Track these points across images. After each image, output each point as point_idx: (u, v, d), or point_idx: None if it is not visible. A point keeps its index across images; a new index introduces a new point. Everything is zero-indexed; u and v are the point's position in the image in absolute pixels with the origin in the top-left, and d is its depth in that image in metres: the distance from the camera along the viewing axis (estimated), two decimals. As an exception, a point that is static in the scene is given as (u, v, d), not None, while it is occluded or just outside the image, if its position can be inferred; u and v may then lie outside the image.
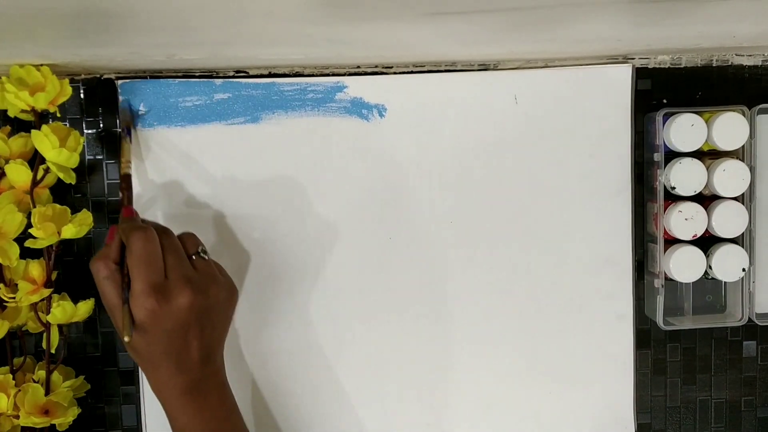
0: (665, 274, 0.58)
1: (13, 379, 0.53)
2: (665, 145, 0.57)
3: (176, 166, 0.57)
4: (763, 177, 0.60)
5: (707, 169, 0.57)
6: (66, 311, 0.52)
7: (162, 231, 0.48)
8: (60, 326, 0.55)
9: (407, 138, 0.58)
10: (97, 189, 0.58)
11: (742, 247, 0.58)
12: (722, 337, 0.62)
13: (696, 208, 0.57)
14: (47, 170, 0.51)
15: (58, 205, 0.52)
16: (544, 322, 0.60)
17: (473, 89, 0.58)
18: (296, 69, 0.57)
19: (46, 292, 0.52)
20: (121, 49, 0.48)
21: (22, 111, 0.52)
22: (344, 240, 0.59)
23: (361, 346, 0.60)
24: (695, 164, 0.56)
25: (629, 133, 0.59)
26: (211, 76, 0.57)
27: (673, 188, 0.57)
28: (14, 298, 0.51)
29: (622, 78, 0.59)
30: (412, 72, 0.58)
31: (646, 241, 0.61)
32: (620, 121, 0.59)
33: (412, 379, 0.60)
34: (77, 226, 0.51)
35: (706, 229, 0.58)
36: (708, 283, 0.62)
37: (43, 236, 0.50)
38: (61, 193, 0.56)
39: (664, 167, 0.57)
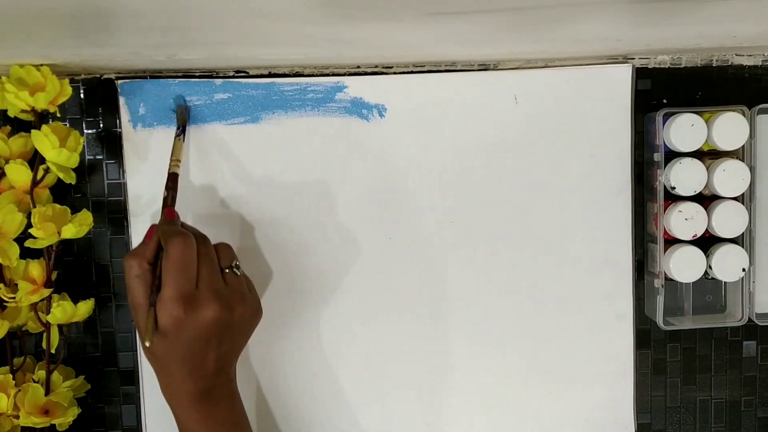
0: (665, 274, 0.58)
1: (13, 379, 0.53)
2: (665, 145, 0.57)
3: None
4: (763, 177, 0.60)
5: (707, 169, 0.57)
6: (66, 311, 0.52)
7: (200, 239, 0.48)
8: (60, 326, 0.55)
9: (407, 138, 0.58)
10: (97, 189, 0.58)
11: (742, 247, 0.58)
12: (722, 337, 0.62)
13: (696, 208, 0.57)
14: (47, 170, 0.51)
15: (58, 205, 0.52)
16: (544, 322, 0.60)
17: (473, 89, 0.58)
18: (296, 69, 0.57)
19: (46, 292, 0.52)
20: (121, 49, 0.48)
21: (22, 111, 0.52)
22: (344, 240, 0.59)
23: (361, 346, 0.60)
24: (695, 164, 0.56)
25: (629, 133, 0.59)
26: (211, 76, 0.57)
27: (673, 188, 0.57)
28: (14, 298, 0.51)
29: (622, 78, 0.59)
30: (412, 72, 0.58)
31: (646, 241, 0.61)
32: (620, 121, 0.59)
33: (412, 379, 0.60)
34: (77, 226, 0.51)
35: (706, 229, 0.58)
36: (708, 283, 0.62)
37: (43, 236, 0.50)
38: (61, 193, 0.56)
39: (664, 167, 0.57)
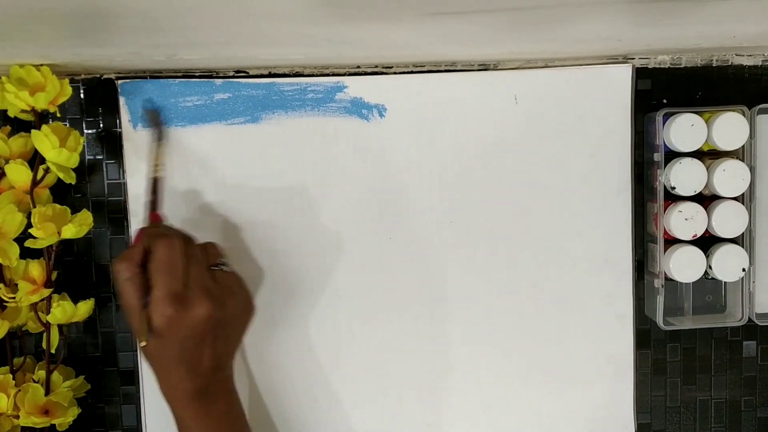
0: (665, 274, 0.58)
1: (13, 379, 0.53)
2: (665, 145, 0.57)
3: (175, 166, 0.57)
4: (763, 177, 0.60)
5: (707, 169, 0.57)
6: (66, 311, 0.52)
7: (186, 240, 0.49)
8: (60, 326, 0.55)
9: (407, 138, 0.58)
10: (97, 189, 0.58)
11: (742, 247, 0.58)
12: (722, 337, 0.62)
13: (696, 208, 0.57)
14: (47, 170, 0.51)
15: (58, 205, 0.52)
16: (544, 322, 0.60)
17: (473, 89, 0.58)
18: (296, 69, 0.57)
19: (46, 292, 0.52)
20: (121, 49, 0.48)
21: (22, 111, 0.52)
22: (344, 240, 0.59)
23: (361, 346, 0.60)
24: (695, 164, 0.56)
25: (629, 133, 0.59)
26: (211, 76, 0.57)
27: (673, 188, 0.57)
28: (14, 298, 0.51)
29: (622, 78, 0.59)
30: (412, 72, 0.58)
31: (646, 241, 0.61)
32: (620, 121, 0.59)
33: (412, 379, 0.60)
34: (77, 226, 0.51)
35: (706, 229, 0.58)
36: (708, 283, 0.62)
37: (43, 236, 0.50)
38: (61, 193, 0.56)
39: (664, 167, 0.57)
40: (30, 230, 0.50)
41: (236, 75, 0.57)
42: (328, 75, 0.58)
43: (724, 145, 0.56)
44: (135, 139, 0.57)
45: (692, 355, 0.62)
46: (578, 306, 0.60)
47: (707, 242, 0.58)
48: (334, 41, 0.48)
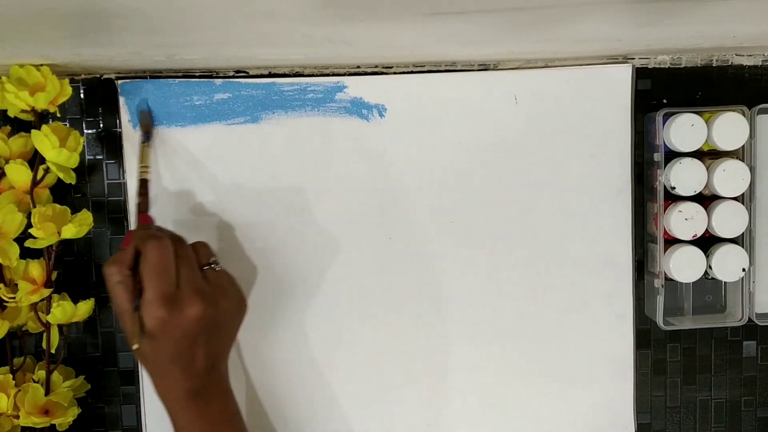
0: (665, 274, 0.58)
1: (13, 379, 0.53)
2: (665, 145, 0.57)
3: (176, 166, 0.57)
4: (763, 177, 0.60)
5: (707, 169, 0.57)
6: (66, 311, 0.52)
7: (176, 240, 0.49)
8: (60, 326, 0.55)
9: (407, 138, 0.58)
10: (97, 189, 0.58)
11: (742, 247, 0.58)
12: (722, 337, 0.62)
13: (696, 208, 0.57)
14: (47, 170, 0.51)
15: (58, 205, 0.52)
16: (544, 322, 0.60)
17: (473, 89, 0.58)
18: (296, 69, 0.57)
19: (46, 292, 0.52)
20: (121, 49, 0.48)
21: (22, 111, 0.52)
22: (344, 239, 0.59)
23: (360, 346, 0.60)
24: (695, 164, 0.56)
25: (629, 133, 0.59)
26: (211, 76, 0.57)
27: (673, 188, 0.57)
28: (14, 298, 0.51)
29: (622, 78, 0.59)
30: (412, 72, 0.58)
31: (646, 241, 0.61)
32: (620, 121, 0.59)
33: (412, 379, 0.60)
34: (77, 226, 0.51)
35: (706, 229, 0.58)
36: (708, 283, 0.62)
37: (43, 236, 0.50)
38: (61, 193, 0.56)
39: (664, 167, 0.57)
40: (30, 230, 0.50)
41: (236, 75, 0.57)
42: (328, 75, 0.58)
43: (724, 145, 0.56)
44: (135, 139, 0.56)
45: (692, 355, 0.62)
46: (578, 306, 0.60)
47: (707, 242, 0.58)
48: (334, 41, 0.48)
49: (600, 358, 0.61)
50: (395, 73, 0.58)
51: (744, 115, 0.56)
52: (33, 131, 0.50)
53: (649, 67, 0.60)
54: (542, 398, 0.61)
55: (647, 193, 0.60)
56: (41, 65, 0.50)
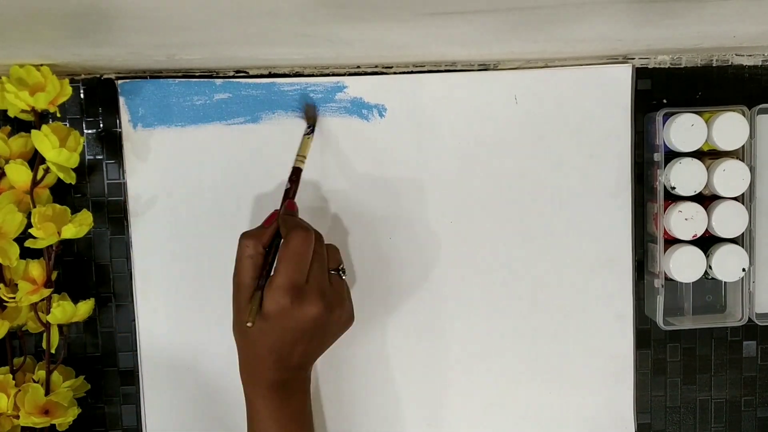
0: (665, 274, 0.58)
1: (13, 379, 0.53)
2: (665, 145, 0.57)
3: (176, 166, 0.57)
4: (763, 177, 0.60)
5: (707, 169, 0.57)
6: (66, 311, 0.52)
7: (317, 237, 0.50)
8: (60, 326, 0.55)
9: (407, 138, 0.58)
10: (97, 189, 0.58)
11: (742, 247, 0.58)
12: (722, 337, 0.62)
13: (696, 208, 0.57)
14: (47, 170, 0.51)
15: (58, 205, 0.52)
16: (544, 322, 0.60)
17: (473, 89, 0.58)
18: (296, 69, 0.57)
19: (46, 292, 0.52)
20: (121, 49, 0.48)
21: (22, 111, 0.52)
22: (344, 240, 0.59)
23: (360, 346, 0.60)
24: (695, 164, 0.56)
25: (629, 133, 0.59)
26: (211, 76, 0.57)
27: (673, 188, 0.57)
28: (14, 298, 0.51)
29: (622, 78, 0.59)
30: (412, 72, 0.58)
31: (646, 241, 0.61)
32: (620, 121, 0.59)
33: (412, 379, 0.60)
34: (77, 226, 0.51)
35: (706, 229, 0.58)
36: (708, 283, 0.62)
37: (43, 236, 0.50)
38: (61, 193, 0.56)
39: (664, 167, 0.57)
40: (30, 230, 0.50)
41: (236, 75, 0.57)
42: (328, 75, 0.58)
43: (724, 145, 0.56)
44: (135, 139, 0.57)
45: (692, 355, 0.62)
46: (578, 306, 0.60)
47: (707, 242, 0.58)
48: (334, 41, 0.48)
49: (600, 358, 0.61)
50: (395, 73, 0.58)
51: (744, 115, 0.56)
52: (33, 131, 0.50)
53: (649, 67, 0.60)
54: (542, 398, 0.61)
55: (647, 193, 0.60)
56: (41, 65, 0.50)
